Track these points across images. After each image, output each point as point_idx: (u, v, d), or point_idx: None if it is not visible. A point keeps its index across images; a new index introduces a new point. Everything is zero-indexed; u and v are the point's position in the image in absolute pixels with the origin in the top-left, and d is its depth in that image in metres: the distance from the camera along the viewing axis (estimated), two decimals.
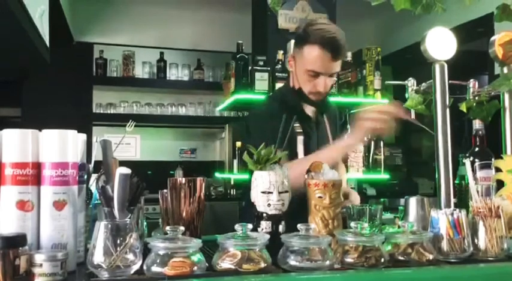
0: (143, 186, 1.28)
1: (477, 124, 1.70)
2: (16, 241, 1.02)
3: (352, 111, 3.93)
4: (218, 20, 5.06)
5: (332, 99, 3.36)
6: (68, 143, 1.16)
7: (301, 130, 1.90)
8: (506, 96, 1.65)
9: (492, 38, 1.65)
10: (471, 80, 1.68)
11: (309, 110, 1.98)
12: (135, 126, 1.76)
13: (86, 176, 1.27)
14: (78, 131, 1.21)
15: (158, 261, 1.05)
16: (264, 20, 3.61)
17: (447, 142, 1.45)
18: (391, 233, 1.26)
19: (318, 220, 1.29)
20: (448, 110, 1.47)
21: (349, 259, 1.15)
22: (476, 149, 1.69)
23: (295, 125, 1.88)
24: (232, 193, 4.87)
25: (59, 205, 1.13)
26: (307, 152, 1.87)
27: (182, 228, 1.13)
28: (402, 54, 4.75)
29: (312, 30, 1.82)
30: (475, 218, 1.30)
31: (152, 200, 1.89)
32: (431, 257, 1.20)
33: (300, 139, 1.87)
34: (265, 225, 1.27)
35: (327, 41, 1.78)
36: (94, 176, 1.36)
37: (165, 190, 1.35)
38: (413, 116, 1.74)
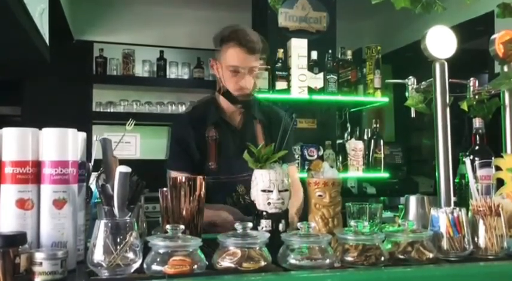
0: (143, 184, 1.28)
1: (477, 123, 1.70)
2: (16, 240, 1.03)
3: (352, 110, 3.93)
4: (218, 19, 5.03)
5: (332, 98, 3.39)
6: (68, 141, 1.16)
7: (215, 137, 1.97)
8: (507, 94, 1.65)
9: (492, 37, 1.65)
10: (471, 78, 1.68)
11: (232, 117, 2.04)
12: (135, 124, 1.76)
13: (85, 175, 1.27)
14: (78, 130, 1.21)
15: (158, 260, 1.05)
16: (264, 18, 3.61)
17: (447, 140, 1.45)
18: (391, 231, 1.26)
19: (318, 219, 1.29)
20: (448, 109, 1.47)
21: (349, 258, 1.15)
22: (476, 147, 1.69)
23: (209, 133, 1.97)
24: None
25: (58, 204, 1.13)
26: (219, 158, 1.95)
27: (182, 226, 1.13)
28: (402, 53, 4.75)
29: (229, 32, 1.95)
30: (475, 217, 1.30)
31: (152, 199, 1.89)
32: (431, 255, 1.20)
33: (212, 145, 1.96)
34: (265, 223, 1.27)
35: (240, 37, 1.91)
36: (94, 175, 1.37)
37: (165, 189, 1.35)
38: (413, 114, 1.74)
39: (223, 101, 2.02)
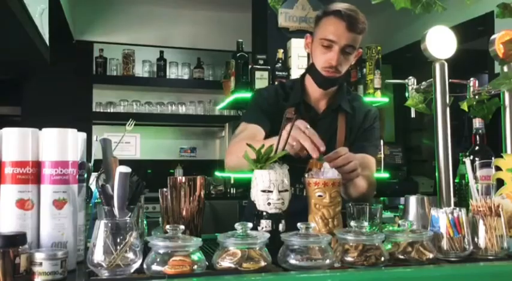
0: (143, 185, 1.28)
1: (477, 123, 1.70)
2: (16, 240, 1.03)
3: None
4: (218, 19, 5.06)
5: None
6: (68, 141, 1.16)
7: (291, 117, 1.84)
8: (507, 95, 1.65)
9: (492, 37, 1.65)
10: (471, 78, 1.68)
11: (317, 102, 1.90)
12: (135, 125, 1.76)
13: (85, 175, 1.27)
14: (78, 130, 1.21)
15: (158, 260, 1.05)
16: (264, 18, 3.61)
17: (447, 140, 1.45)
18: (391, 232, 1.26)
19: (318, 219, 1.29)
20: (448, 109, 1.47)
21: (349, 258, 1.15)
22: (476, 147, 1.69)
23: (287, 113, 1.71)
24: (232, 191, 4.87)
25: (58, 204, 1.13)
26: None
27: (182, 227, 1.13)
28: (402, 53, 4.75)
29: (331, 6, 1.80)
30: (475, 217, 1.30)
31: (152, 199, 1.89)
32: (431, 256, 1.20)
33: (285, 125, 1.81)
34: (265, 224, 1.27)
35: (343, 12, 1.75)
36: (94, 175, 1.37)
37: (165, 189, 1.35)
38: (413, 114, 1.74)
39: (309, 83, 1.88)
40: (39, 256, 1.02)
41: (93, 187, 1.36)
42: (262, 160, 1.31)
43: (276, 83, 2.16)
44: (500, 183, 1.51)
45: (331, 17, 1.76)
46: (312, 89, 1.88)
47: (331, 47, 1.76)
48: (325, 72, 1.79)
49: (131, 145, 4.98)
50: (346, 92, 1.96)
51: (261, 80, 3.24)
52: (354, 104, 1.94)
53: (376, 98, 3.46)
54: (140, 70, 4.96)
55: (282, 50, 3.31)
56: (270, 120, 1.80)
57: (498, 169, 1.54)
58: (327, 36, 1.75)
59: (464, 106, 1.62)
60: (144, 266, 1.06)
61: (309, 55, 1.94)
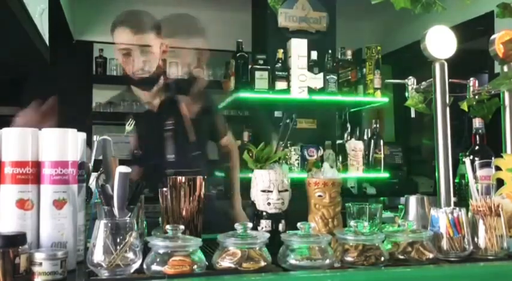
0: (143, 185, 1.28)
1: (477, 123, 1.70)
2: (16, 240, 1.02)
3: (352, 110, 3.93)
4: (218, 19, 5.05)
5: (332, 98, 3.39)
6: (68, 141, 1.16)
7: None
8: (507, 94, 1.65)
9: (492, 37, 1.65)
10: (471, 78, 1.67)
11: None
12: (135, 124, 1.76)
13: (85, 175, 1.27)
14: (78, 130, 1.21)
15: (158, 260, 1.05)
16: (263, 18, 3.61)
17: (447, 140, 1.45)
18: (391, 232, 1.26)
19: (318, 219, 1.29)
20: (448, 109, 1.47)
21: (349, 258, 1.15)
22: (476, 147, 1.70)
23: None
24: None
25: (58, 204, 1.13)
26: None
27: (182, 227, 1.13)
28: (402, 53, 4.75)
29: None
30: (475, 217, 1.30)
31: (152, 199, 1.89)
32: (431, 256, 1.20)
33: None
34: (265, 224, 1.27)
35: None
36: (94, 175, 1.36)
37: (165, 189, 1.35)
38: (413, 114, 1.74)
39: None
40: (39, 256, 1.02)
41: (93, 187, 1.36)
42: (262, 160, 1.31)
43: None
44: (500, 183, 1.51)
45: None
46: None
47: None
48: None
49: (131, 145, 4.97)
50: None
51: (261, 80, 3.24)
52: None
53: (376, 98, 3.46)
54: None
55: (282, 50, 3.31)
56: None
57: (498, 168, 1.54)
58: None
59: (464, 106, 1.62)
60: (144, 266, 1.06)
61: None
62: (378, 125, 3.54)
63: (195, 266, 1.05)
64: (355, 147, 3.41)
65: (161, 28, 1.89)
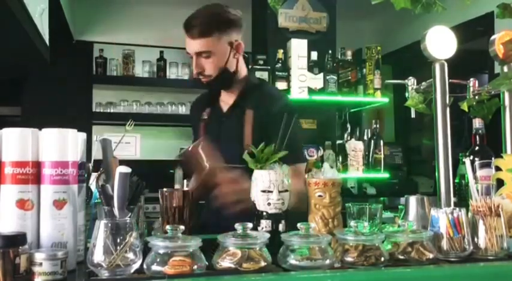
0: (143, 185, 1.28)
1: (477, 123, 1.70)
2: (16, 240, 1.03)
3: (352, 110, 3.93)
4: None
5: (332, 98, 3.40)
6: (68, 142, 1.16)
7: (206, 119, 1.99)
8: (507, 95, 1.65)
9: (492, 37, 1.65)
10: (471, 79, 1.68)
11: (225, 101, 2.00)
12: (135, 125, 1.76)
13: (85, 175, 1.27)
14: (78, 130, 1.21)
15: (158, 260, 1.05)
16: (264, 18, 3.61)
17: (447, 140, 1.45)
18: (391, 232, 1.26)
19: (318, 219, 1.29)
20: (448, 109, 1.47)
21: (349, 258, 1.15)
22: (476, 148, 1.70)
23: (202, 115, 2.00)
24: None
25: (59, 204, 1.13)
26: (207, 141, 1.80)
27: (182, 227, 1.13)
28: (402, 53, 4.75)
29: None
30: (475, 217, 1.30)
31: (152, 199, 1.89)
32: (431, 256, 1.20)
33: (201, 127, 1.98)
34: (265, 224, 1.27)
35: (185, 23, 1.91)
36: (94, 175, 1.37)
37: (165, 189, 1.35)
38: (413, 114, 1.74)
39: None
40: (39, 256, 1.02)
41: (93, 187, 1.36)
42: (262, 160, 1.31)
43: None
44: (500, 183, 1.51)
45: (186, 34, 1.90)
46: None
47: (193, 58, 1.90)
48: (198, 78, 1.93)
49: (131, 145, 4.97)
50: (258, 88, 2.01)
51: None
52: (265, 99, 1.93)
53: (376, 98, 3.47)
54: (140, 70, 4.95)
55: (282, 50, 3.32)
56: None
57: (498, 169, 1.54)
58: (187, 50, 1.91)
59: (464, 106, 1.62)
60: (144, 266, 1.06)
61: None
62: (378, 125, 3.54)
63: (195, 267, 1.05)
64: (355, 147, 3.41)
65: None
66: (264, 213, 1.28)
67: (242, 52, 1.98)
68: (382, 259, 1.15)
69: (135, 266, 1.06)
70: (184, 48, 1.95)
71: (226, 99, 2.00)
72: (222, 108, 2.00)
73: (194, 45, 1.87)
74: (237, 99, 1.96)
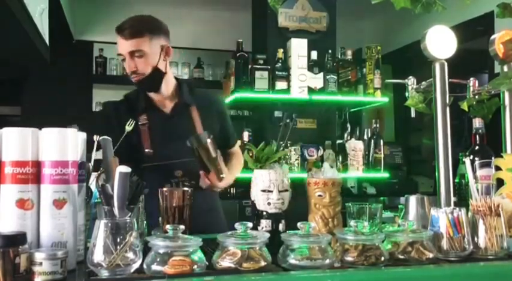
0: (143, 185, 1.28)
1: (477, 123, 1.70)
2: (16, 240, 1.03)
3: (352, 110, 3.93)
4: (218, 19, 5.05)
5: (332, 98, 3.39)
6: (68, 141, 1.16)
7: (147, 123, 1.98)
8: (507, 94, 1.65)
9: (492, 37, 1.65)
10: (471, 78, 1.68)
11: (162, 103, 2.05)
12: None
13: (85, 175, 1.27)
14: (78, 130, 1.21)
15: (158, 260, 1.05)
16: (264, 18, 3.61)
17: (447, 140, 1.45)
18: (391, 231, 1.26)
19: (318, 219, 1.29)
20: (448, 109, 1.47)
21: (349, 258, 1.15)
22: (476, 147, 1.70)
23: (140, 119, 1.98)
24: (232, 191, 4.86)
25: (58, 204, 1.13)
26: (153, 144, 1.95)
27: (182, 227, 1.13)
28: (402, 53, 4.75)
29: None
30: (475, 217, 1.30)
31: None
32: (431, 255, 1.20)
33: (144, 131, 1.97)
34: (265, 223, 1.27)
35: (118, 26, 2.06)
36: (94, 175, 1.36)
37: (165, 189, 1.35)
38: (413, 114, 1.74)
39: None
40: (39, 256, 1.02)
41: (93, 186, 1.36)
42: (262, 160, 1.31)
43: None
44: (500, 183, 1.51)
45: (118, 36, 2.03)
46: (152, 94, 2.05)
47: (125, 59, 1.99)
48: (133, 78, 1.99)
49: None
50: (190, 88, 2.12)
51: (261, 80, 3.24)
52: (202, 98, 2.12)
53: (376, 98, 3.46)
54: None
55: (282, 50, 3.31)
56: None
57: (498, 168, 1.54)
58: (119, 51, 2.01)
59: (464, 106, 1.62)
60: (144, 266, 1.06)
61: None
62: (377, 125, 3.54)
63: (195, 266, 1.05)
64: (355, 147, 3.41)
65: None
66: (264, 213, 1.28)
67: (171, 57, 2.05)
68: (382, 258, 1.15)
69: (135, 265, 1.06)
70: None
71: (163, 102, 2.06)
72: (163, 111, 2.04)
73: (126, 45, 1.98)
74: (179, 99, 2.05)
